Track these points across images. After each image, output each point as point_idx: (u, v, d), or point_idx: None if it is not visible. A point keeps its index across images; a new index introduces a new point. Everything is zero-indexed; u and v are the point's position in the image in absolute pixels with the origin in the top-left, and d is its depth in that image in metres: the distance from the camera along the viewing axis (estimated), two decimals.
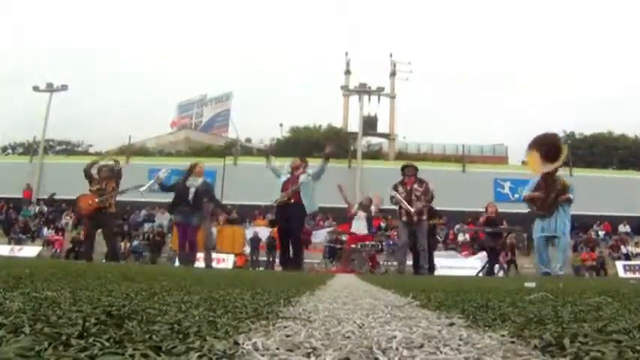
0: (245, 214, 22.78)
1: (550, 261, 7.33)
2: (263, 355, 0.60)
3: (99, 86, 61.10)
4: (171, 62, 77.60)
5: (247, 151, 33.40)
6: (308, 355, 0.62)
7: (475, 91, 70.61)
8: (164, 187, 8.64)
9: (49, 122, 27.25)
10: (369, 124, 29.44)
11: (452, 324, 0.93)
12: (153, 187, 8.91)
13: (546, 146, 7.14)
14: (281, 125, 35.59)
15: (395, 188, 8.43)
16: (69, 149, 34.27)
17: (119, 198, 8.63)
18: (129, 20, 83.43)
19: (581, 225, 21.45)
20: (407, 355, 0.62)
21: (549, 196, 7.17)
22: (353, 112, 30.05)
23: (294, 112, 64.35)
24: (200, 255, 9.17)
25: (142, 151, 31.76)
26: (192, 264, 8.29)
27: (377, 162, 27.41)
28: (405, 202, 8.18)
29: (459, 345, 0.68)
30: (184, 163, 10.96)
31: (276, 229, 10.45)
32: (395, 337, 0.73)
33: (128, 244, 20.27)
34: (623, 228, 23.11)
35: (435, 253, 16.33)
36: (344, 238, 12.11)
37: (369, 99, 28.56)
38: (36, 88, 27.20)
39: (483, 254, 12.11)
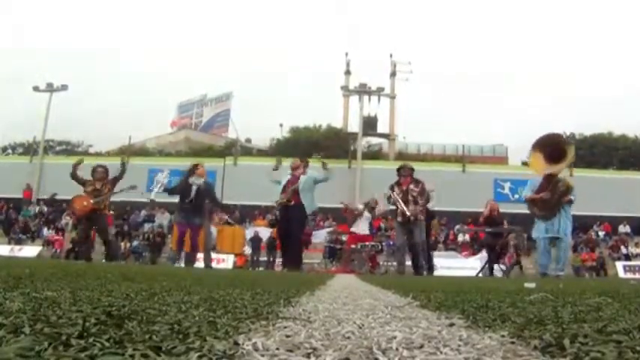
0: (245, 214, 22.80)
1: (551, 262, 7.32)
2: (263, 356, 0.60)
3: (99, 86, 61.07)
4: (171, 62, 77.56)
5: (247, 151, 33.41)
6: (308, 355, 0.62)
7: (475, 91, 70.55)
8: (168, 190, 8.77)
9: (49, 122, 27.31)
10: (369, 125, 29.43)
11: (452, 324, 0.93)
12: (159, 192, 9.22)
13: (550, 147, 7.05)
14: (281, 125, 35.57)
15: (391, 189, 8.43)
16: (69, 149, 34.24)
17: (119, 198, 8.69)
18: (129, 20, 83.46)
19: (581, 225, 21.44)
20: (407, 356, 0.62)
21: (552, 197, 7.10)
22: (353, 113, 30.07)
23: (294, 112, 64.33)
24: (200, 255, 9.19)
25: (142, 151, 31.77)
26: (193, 264, 8.30)
27: (377, 162, 27.40)
28: (401, 202, 8.18)
29: (459, 345, 0.68)
30: (184, 163, 10.99)
31: (276, 229, 10.46)
32: (395, 337, 0.73)
33: (128, 244, 20.28)
34: (623, 228, 23.11)
35: (435, 253, 16.38)
36: (344, 238, 12.11)
37: (369, 99, 28.56)
38: (36, 88, 27.21)
39: (483, 255, 12.11)
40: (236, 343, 0.64)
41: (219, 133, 39.11)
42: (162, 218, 21.56)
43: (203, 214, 8.43)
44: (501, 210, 10.81)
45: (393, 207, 8.51)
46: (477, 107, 63.64)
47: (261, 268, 16.64)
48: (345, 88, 30.17)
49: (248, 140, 37.39)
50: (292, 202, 7.69)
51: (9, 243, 20.83)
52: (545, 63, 74.83)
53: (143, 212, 23.07)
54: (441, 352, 0.64)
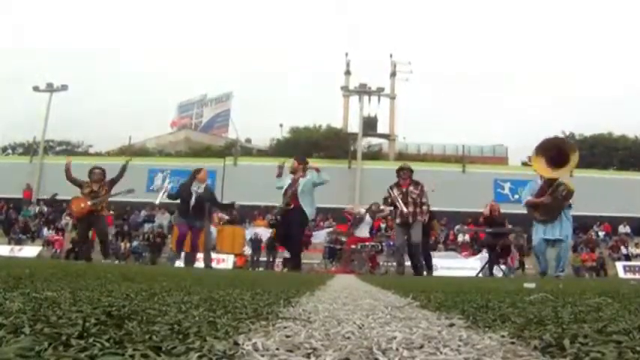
0: (245, 214, 22.79)
1: (548, 266, 7.30)
2: (263, 356, 0.60)
3: (99, 86, 61.04)
4: (171, 62, 77.54)
5: (247, 151, 33.40)
6: (308, 355, 0.62)
7: (475, 91, 70.54)
8: (171, 197, 8.88)
9: (49, 122, 27.30)
10: (369, 125, 29.43)
11: (452, 325, 0.93)
12: (163, 199, 9.44)
13: (552, 151, 6.91)
14: (281, 125, 35.55)
15: (390, 190, 8.42)
16: (69, 149, 34.22)
17: (118, 199, 8.71)
18: (129, 20, 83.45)
19: (581, 226, 21.45)
20: (407, 356, 0.62)
21: (554, 201, 6.96)
22: (353, 113, 30.07)
23: (294, 112, 64.26)
24: (200, 255, 9.20)
25: (142, 151, 31.76)
26: (192, 264, 8.31)
27: (377, 162, 27.40)
28: (401, 202, 8.17)
29: (459, 346, 0.68)
30: (184, 164, 11.03)
31: (275, 232, 10.48)
32: (395, 337, 0.73)
33: (128, 245, 20.28)
34: (623, 229, 23.11)
35: (435, 253, 16.38)
36: (344, 238, 12.12)
37: (369, 99, 28.56)
38: (36, 88, 27.21)
39: (483, 255, 12.11)
40: (236, 343, 0.64)
41: (219, 133, 39.12)
42: (163, 218, 21.56)
43: (203, 217, 8.45)
44: (501, 210, 10.81)
45: (391, 207, 8.51)
46: (477, 107, 63.64)
47: (261, 269, 16.64)
48: (345, 88, 30.18)
49: (248, 140, 37.39)
50: (292, 206, 7.67)
51: (9, 243, 20.84)
52: (545, 63, 74.86)
53: (143, 212, 23.08)
54: (441, 353, 0.64)
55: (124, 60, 70.87)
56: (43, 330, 0.66)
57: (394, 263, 9.76)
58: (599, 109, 57.10)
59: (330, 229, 16.85)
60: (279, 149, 29.84)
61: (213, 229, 14.71)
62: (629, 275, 17.63)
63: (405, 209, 8.10)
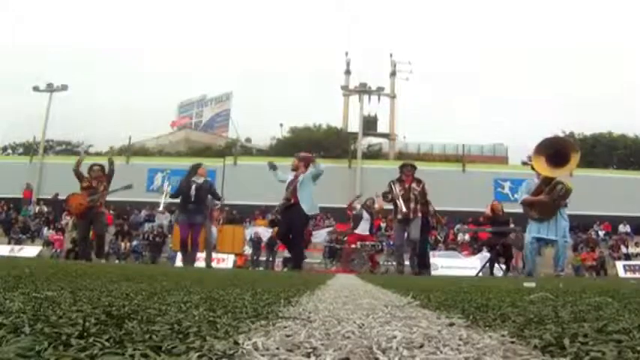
0: (245, 214, 22.79)
1: (535, 268, 7.31)
2: (263, 355, 0.60)
3: (99, 86, 61.06)
4: (172, 62, 77.52)
5: (247, 151, 33.43)
6: (308, 355, 0.62)
7: (475, 91, 70.58)
8: (173, 195, 8.98)
9: (49, 122, 27.30)
10: (369, 124, 29.46)
11: (452, 324, 0.93)
12: (166, 202, 9.62)
13: (552, 151, 6.87)
14: (281, 125, 35.60)
15: (392, 185, 8.41)
16: (69, 149, 34.26)
17: (119, 198, 8.72)
18: (129, 20, 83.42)
19: (581, 225, 21.46)
20: (407, 355, 0.62)
21: (551, 200, 6.93)
22: (353, 112, 30.11)
23: (294, 112, 64.27)
24: (200, 255, 9.20)
25: (142, 151, 31.78)
26: (193, 264, 8.30)
27: (377, 162, 27.42)
28: (401, 199, 8.17)
29: (459, 345, 0.68)
30: (184, 163, 11.05)
31: (276, 230, 10.46)
32: (395, 337, 0.73)
33: (128, 244, 20.27)
34: (623, 228, 23.11)
35: (435, 252, 16.38)
36: (344, 238, 12.14)
37: (369, 99, 28.59)
38: (36, 88, 27.20)
39: (484, 254, 12.11)
40: (236, 343, 0.64)
41: (219, 133, 39.16)
42: (163, 218, 21.55)
43: (204, 212, 8.47)
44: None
45: (391, 205, 8.50)
46: (476, 107, 63.66)
47: (261, 268, 16.65)
48: (345, 87, 30.21)
49: (248, 140, 37.43)
50: (292, 201, 7.67)
51: (9, 243, 20.82)
52: (545, 63, 74.85)
53: (143, 212, 23.09)
54: (441, 352, 0.64)
55: (124, 60, 70.93)
56: (43, 330, 0.66)
57: (394, 262, 9.76)
58: (599, 109, 57.06)
59: (330, 229, 16.88)
60: (279, 149, 29.86)
61: (214, 229, 14.72)
62: (629, 274, 17.63)
63: (404, 208, 8.10)
